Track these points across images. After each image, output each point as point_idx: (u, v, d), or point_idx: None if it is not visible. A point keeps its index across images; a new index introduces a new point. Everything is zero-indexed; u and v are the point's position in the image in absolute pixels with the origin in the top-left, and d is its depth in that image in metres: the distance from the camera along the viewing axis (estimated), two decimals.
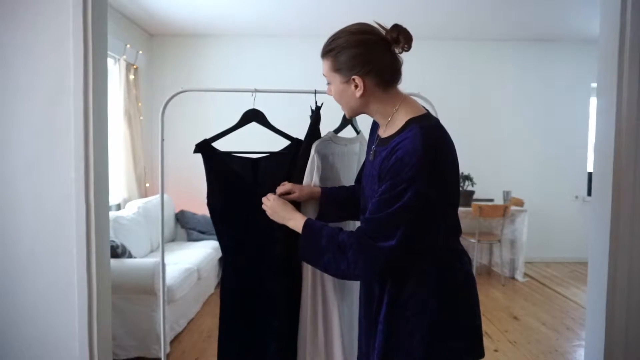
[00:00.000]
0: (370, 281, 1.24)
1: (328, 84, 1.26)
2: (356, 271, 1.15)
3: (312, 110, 1.74)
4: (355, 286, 1.51)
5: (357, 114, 1.29)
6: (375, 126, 1.36)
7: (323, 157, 1.55)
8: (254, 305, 1.65)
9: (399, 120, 1.18)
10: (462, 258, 1.25)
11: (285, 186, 1.48)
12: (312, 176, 1.51)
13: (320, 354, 1.51)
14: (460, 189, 4.65)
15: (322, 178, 1.55)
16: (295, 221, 1.32)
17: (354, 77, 1.17)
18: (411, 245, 1.10)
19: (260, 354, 1.64)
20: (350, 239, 1.16)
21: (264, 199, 1.44)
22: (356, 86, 1.18)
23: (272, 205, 1.40)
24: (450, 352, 1.18)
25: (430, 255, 1.17)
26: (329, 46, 1.21)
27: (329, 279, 1.51)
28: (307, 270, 1.52)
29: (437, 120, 1.19)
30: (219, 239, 1.67)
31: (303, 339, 1.55)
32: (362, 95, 1.19)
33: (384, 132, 1.23)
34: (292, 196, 1.46)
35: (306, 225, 1.28)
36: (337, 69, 1.20)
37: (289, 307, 1.59)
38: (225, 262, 1.69)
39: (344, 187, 1.55)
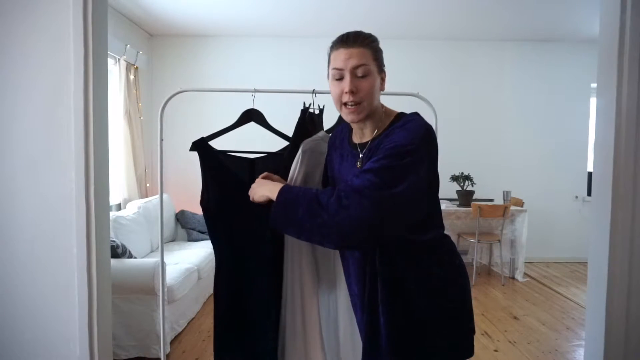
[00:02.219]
0: (357, 243, 1.11)
1: (363, 75, 1.18)
2: (338, 220, 1.05)
3: (315, 111, 1.74)
4: (342, 281, 1.51)
5: (371, 113, 1.24)
6: (337, 141, 1.40)
7: (312, 156, 1.55)
8: (246, 302, 1.66)
9: (386, 119, 1.27)
10: (452, 242, 1.34)
11: (269, 174, 1.43)
12: (295, 173, 1.51)
13: (299, 346, 1.51)
14: (460, 189, 4.66)
15: (311, 177, 1.55)
16: (272, 186, 1.23)
17: (384, 71, 1.25)
18: (401, 205, 1.06)
19: (253, 349, 1.65)
20: (329, 191, 1.11)
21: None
22: (382, 79, 1.25)
23: (255, 184, 1.32)
24: (469, 332, 1.27)
25: (427, 234, 1.23)
26: (369, 37, 1.22)
27: (308, 273, 1.51)
28: (287, 266, 1.53)
29: None
30: (211, 237, 1.68)
31: (282, 330, 1.55)
32: (379, 92, 1.25)
33: (371, 135, 1.27)
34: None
35: (284, 186, 1.21)
36: (377, 58, 1.22)
37: (278, 304, 1.60)
38: (217, 261, 1.69)
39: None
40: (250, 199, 1.35)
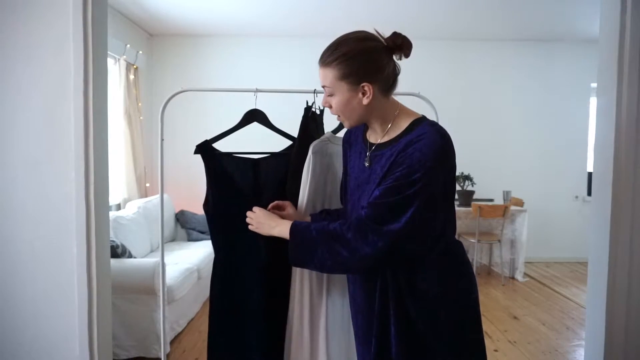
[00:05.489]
0: (374, 268, 1.21)
1: (330, 95, 1.21)
2: (358, 257, 1.13)
3: (319, 110, 1.74)
4: (345, 285, 1.50)
5: (358, 124, 1.27)
6: (352, 136, 1.39)
7: (321, 157, 1.55)
8: (244, 305, 1.66)
9: (402, 123, 1.22)
10: (464, 251, 1.33)
11: (281, 202, 1.46)
12: (308, 177, 1.51)
13: (305, 351, 1.51)
14: (460, 188, 4.66)
15: (319, 179, 1.55)
16: (281, 227, 1.30)
17: (364, 84, 1.17)
18: (415, 231, 1.12)
19: (245, 352, 1.65)
20: (344, 226, 1.17)
21: (248, 213, 1.41)
22: (364, 93, 1.18)
23: (257, 217, 1.37)
24: (479, 342, 1.26)
25: (440, 245, 1.21)
26: (335, 54, 1.17)
27: (316, 281, 1.51)
28: (295, 271, 1.52)
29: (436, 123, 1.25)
30: (213, 238, 1.67)
31: (289, 339, 1.55)
32: (368, 103, 1.19)
33: (382, 137, 1.25)
34: (282, 213, 1.45)
35: (293, 226, 1.26)
36: (344, 76, 1.16)
37: (277, 308, 1.60)
38: (215, 263, 1.69)
39: (332, 212, 1.51)
40: (251, 227, 1.39)
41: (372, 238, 1.12)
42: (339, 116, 1.25)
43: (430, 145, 1.11)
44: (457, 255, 1.28)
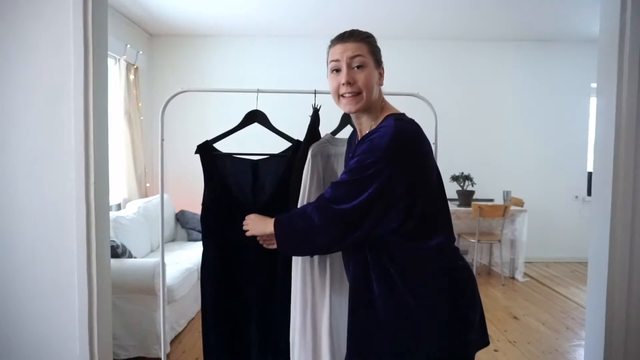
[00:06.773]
0: (333, 249, 1.30)
1: (360, 66, 1.22)
2: (315, 229, 1.20)
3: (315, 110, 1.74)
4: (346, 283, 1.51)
5: (369, 107, 1.26)
6: (353, 139, 1.43)
7: (321, 159, 1.55)
8: (236, 305, 1.67)
9: (380, 118, 1.27)
10: (458, 253, 1.29)
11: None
12: (307, 178, 1.51)
13: (308, 345, 1.52)
14: (460, 188, 4.66)
15: (320, 180, 1.55)
16: (268, 221, 1.36)
17: (382, 67, 1.29)
18: (364, 216, 1.15)
19: (237, 348, 1.66)
20: (310, 205, 1.25)
21: (245, 219, 1.45)
22: (380, 75, 1.28)
23: (252, 220, 1.42)
24: (467, 345, 1.22)
25: (434, 241, 1.21)
26: (365, 33, 1.27)
27: (317, 274, 1.51)
28: (296, 272, 1.52)
29: (412, 119, 1.26)
30: (206, 236, 1.67)
31: (293, 329, 1.55)
32: (379, 88, 1.28)
33: (366, 132, 1.28)
34: None
35: (276, 217, 1.33)
36: (374, 53, 1.26)
37: (270, 307, 1.61)
38: (206, 259, 1.68)
39: None
40: (248, 234, 1.44)
41: (323, 214, 1.19)
42: (353, 94, 1.23)
43: (384, 136, 1.15)
44: (446, 254, 1.23)
